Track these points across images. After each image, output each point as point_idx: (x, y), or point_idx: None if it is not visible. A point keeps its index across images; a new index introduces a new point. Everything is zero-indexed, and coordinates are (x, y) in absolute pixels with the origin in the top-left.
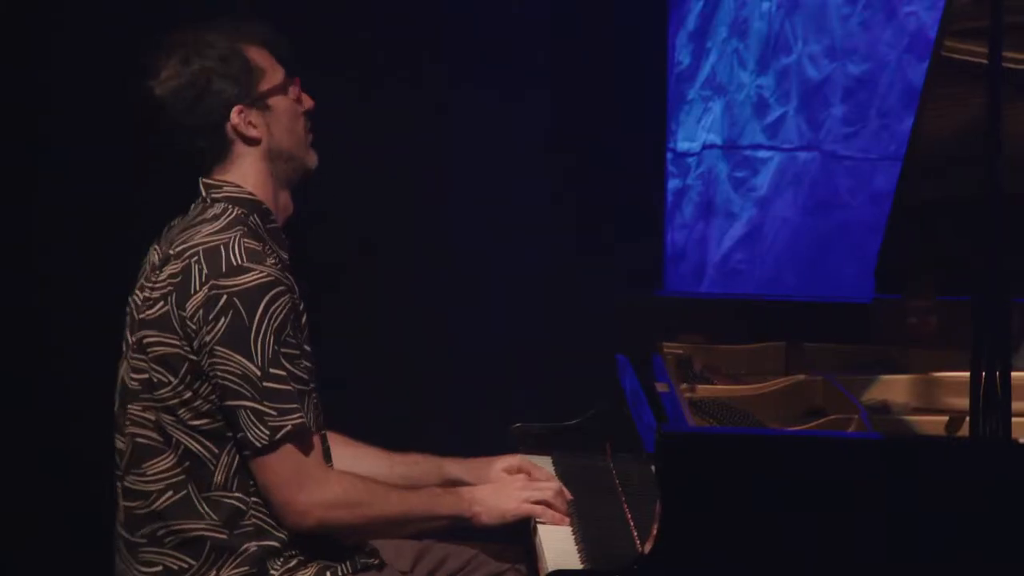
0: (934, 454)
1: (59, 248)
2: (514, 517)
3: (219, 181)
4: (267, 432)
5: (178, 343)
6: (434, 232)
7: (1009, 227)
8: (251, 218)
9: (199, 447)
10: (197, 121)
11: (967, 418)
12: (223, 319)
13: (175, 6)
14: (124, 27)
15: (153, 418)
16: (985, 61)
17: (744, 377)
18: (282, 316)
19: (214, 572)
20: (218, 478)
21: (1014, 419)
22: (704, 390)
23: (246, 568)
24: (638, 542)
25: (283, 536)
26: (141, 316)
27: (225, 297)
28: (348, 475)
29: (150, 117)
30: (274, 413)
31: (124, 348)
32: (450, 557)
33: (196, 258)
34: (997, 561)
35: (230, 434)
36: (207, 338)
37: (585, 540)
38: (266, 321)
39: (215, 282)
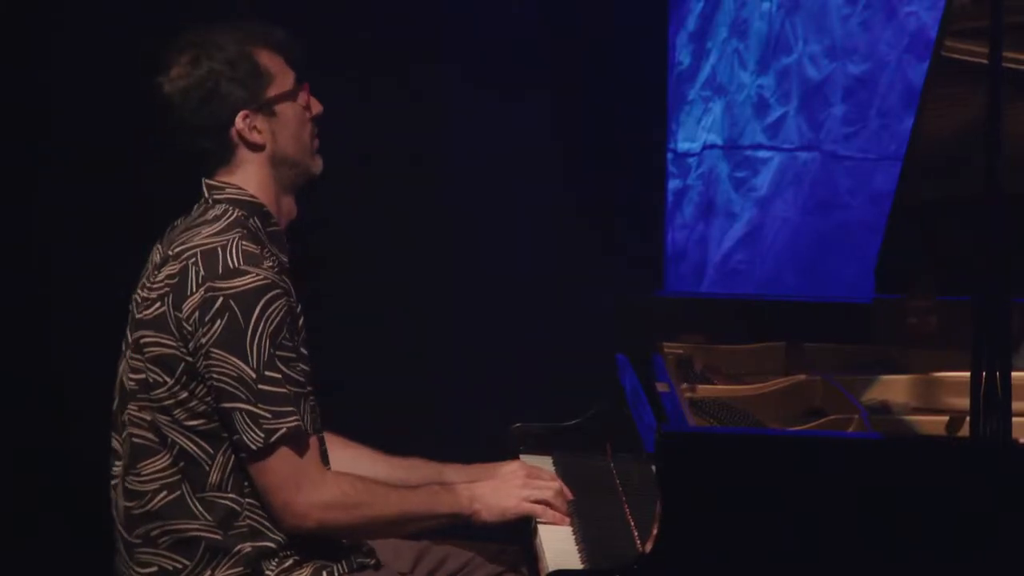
0: (934, 454)
1: (60, 247)
2: (514, 515)
3: (221, 183)
4: (262, 435)
5: (174, 344)
6: (434, 232)
7: (1009, 227)
8: (251, 220)
9: (194, 448)
10: (202, 123)
11: (967, 418)
12: (219, 321)
13: (175, 6)
14: (124, 27)
15: (149, 418)
16: (985, 61)
17: (744, 377)
18: (278, 319)
19: (208, 572)
20: (213, 479)
21: (1014, 419)
22: (704, 390)
23: (240, 568)
24: (638, 542)
25: (278, 538)
26: (139, 316)
27: (221, 299)
28: (346, 476)
29: (157, 113)
30: (269, 416)
31: (124, 347)
32: (450, 557)
33: (194, 259)
34: (997, 561)
35: (225, 435)
36: (203, 340)
37: (585, 540)
38: (262, 324)
39: (211, 284)
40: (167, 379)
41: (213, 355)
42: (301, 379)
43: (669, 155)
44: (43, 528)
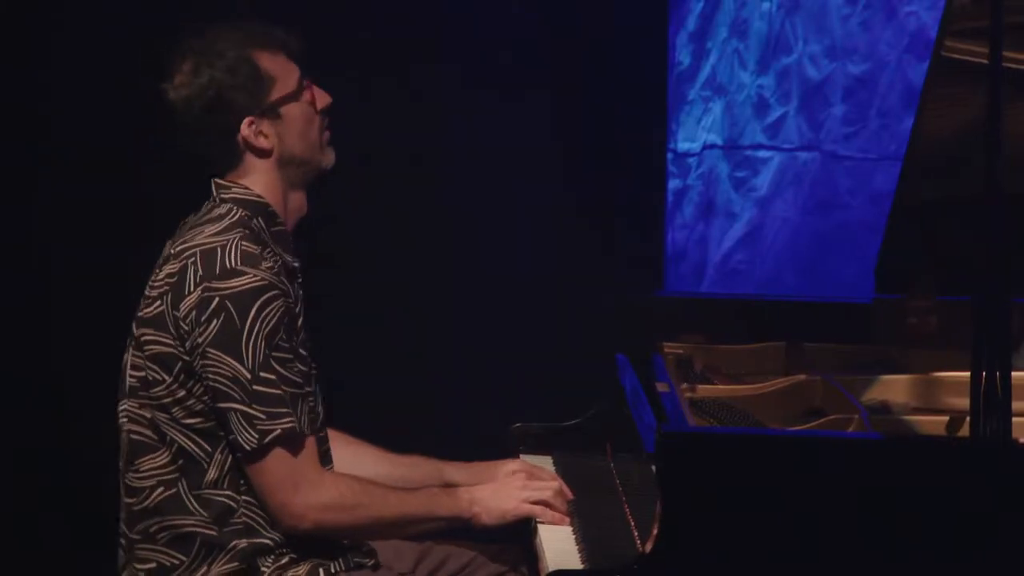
0: (934, 454)
1: (60, 247)
2: (514, 517)
3: (229, 182)
4: (256, 436)
5: (172, 342)
6: (434, 232)
7: (1009, 227)
8: (255, 221)
9: (192, 446)
10: (207, 130)
11: (967, 418)
12: (215, 321)
13: (175, 6)
14: (124, 27)
15: (149, 415)
16: (985, 61)
17: (744, 377)
18: (274, 320)
19: (204, 568)
20: (210, 476)
21: (1014, 419)
22: (704, 390)
23: (236, 564)
24: (638, 542)
25: (275, 536)
26: (141, 313)
27: (217, 299)
28: (345, 477)
29: (164, 118)
30: (263, 417)
31: (129, 342)
32: (451, 558)
33: (193, 259)
34: (997, 561)
35: (223, 433)
36: (199, 339)
37: (585, 540)
38: (258, 325)
39: (208, 284)
40: (165, 377)
41: (209, 355)
42: (298, 380)
43: (669, 155)
44: (43, 528)
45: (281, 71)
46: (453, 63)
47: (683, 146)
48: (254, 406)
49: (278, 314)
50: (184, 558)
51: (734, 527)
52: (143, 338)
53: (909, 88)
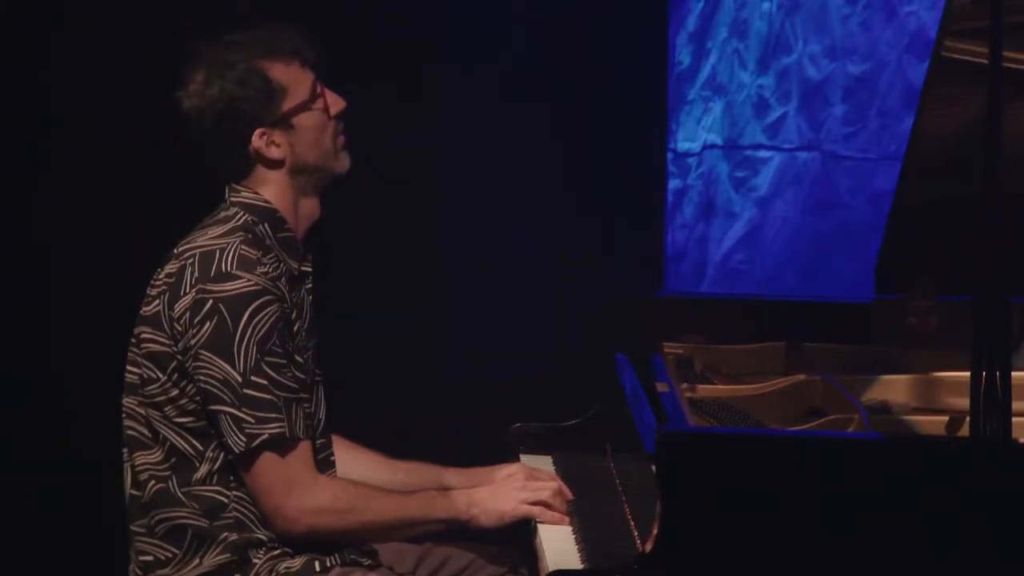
0: (934, 454)
1: (65, 247)
2: (512, 518)
3: (240, 186)
4: (243, 439)
5: (167, 342)
6: (433, 232)
7: (1009, 227)
8: (260, 226)
9: (185, 444)
10: (219, 141)
11: (967, 418)
12: (208, 324)
13: (175, 6)
14: (124, 27)
15: (144, 413)
16: (985, 61)
17: (744, 377)
18: (267, 326)
19: (197, 560)
20: (200, 474)
21: (1014, 419)
22: (704, 390)
23: (228, 556)
24: (638, 542)
25: (267, 532)
26: (141, 311)
27: (211, 302)
28: (339, 480)
29: (179, 125)
30: (252, 420)
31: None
32: (451, 559)
33: (191, 260)
34: (997, 561)
35: (214, 432)
36: (192, 341)
37: (585, 540)
38: (250, 329)
39: (202, 286)
40: (160, 376)
41: (201, 357)
42: (292, 385)
43: (669, 155)
44: (43, 527)
45: (293, 80)
46: (453, 63)
47: (683, 146)
48: (243, 409)
49: (271, 319)
50: (176, 551)
51: (734, 527)
52: (141, 336)
53: (909, 88)
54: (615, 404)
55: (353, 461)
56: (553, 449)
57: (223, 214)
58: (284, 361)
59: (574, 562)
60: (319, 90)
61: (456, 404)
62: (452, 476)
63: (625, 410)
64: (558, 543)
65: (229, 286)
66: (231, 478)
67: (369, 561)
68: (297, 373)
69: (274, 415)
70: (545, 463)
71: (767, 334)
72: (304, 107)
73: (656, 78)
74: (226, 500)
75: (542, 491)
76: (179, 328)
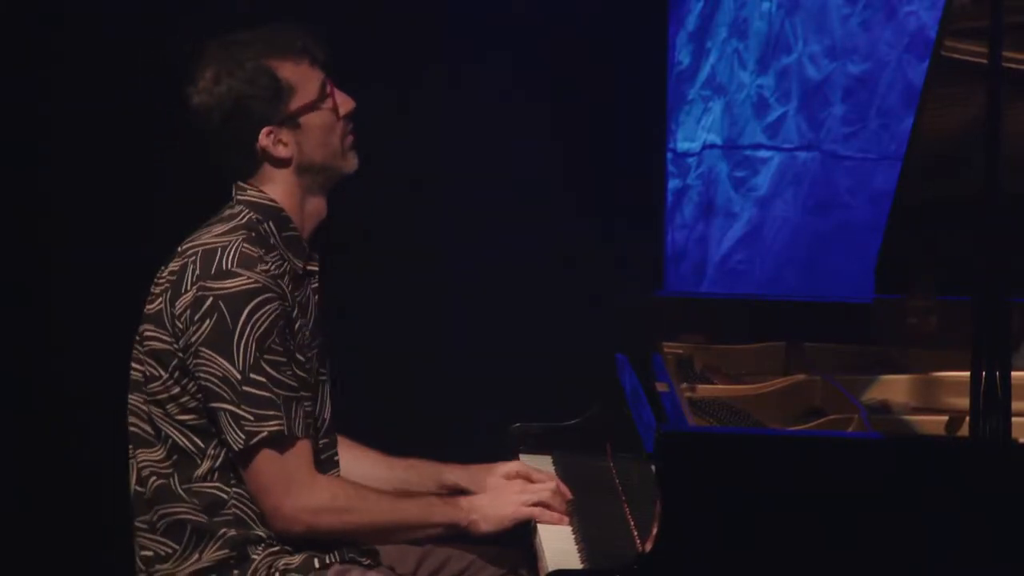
0: (934, 454)
1: (69, 245)
2: (512, 522)
3: (247, 185)
4: (242, 436)
5: (169, 339)
6: (433, 232)
7: (1009, 227)
8: (264, 224)
9: (186, 441)
10: (227, 139)
11: (967, 418)
12: (208, 321)
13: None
14: (123, 27)
15: (146, 410)
16: (985, 61)
17: (744, 377)
18: (267, 324)
19: (196, 555)
20: (200, 471)
21: (1014, 419)
22: (704, 390)
23: (226, 551)
24: (638, 541)
25: (266, 530)
26: (145, 309)
27: (211, 299)
28: (337, 480)
29: (188, 121)
30: (251, 418)
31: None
32: (451, 560)
33: (193, 258)
34: (997, 561)
35: (215, 430)
36: (193, 338)
37: (585, 540)
38: (249, 327)
39: (203, 284)
40: (161, 373)
41: (201, 354)
42: (292, 383)
43: (669, 155)
44: (44, 528)
45: (302, 79)
46: (453, 63)
47: (683, 146)
48: (243, 407)
49: (271, 317)
50: (176, 546)
51: (734, 527)
52: (145, 333)
53: (909, 88)
54: (615, 404)
55: (352, 459)
56: (553, 449)
57: (228, 212)
58: (284, 359)
59: (574, 562)
60: (328, 89)
61: (456, 404)
62: (451, 473)
63: (625, 410)
64: (558, 543)
65: (229, 283)
66: (231, 475)
67: (368, 561)
68: (298, 372)
69: (273, 413)
70: (545, 463)
71: (767, 334)
72: (312, 106)
73: (656, 78)
74: (225, 496)
75: (541, 492)
76: (180, 325)
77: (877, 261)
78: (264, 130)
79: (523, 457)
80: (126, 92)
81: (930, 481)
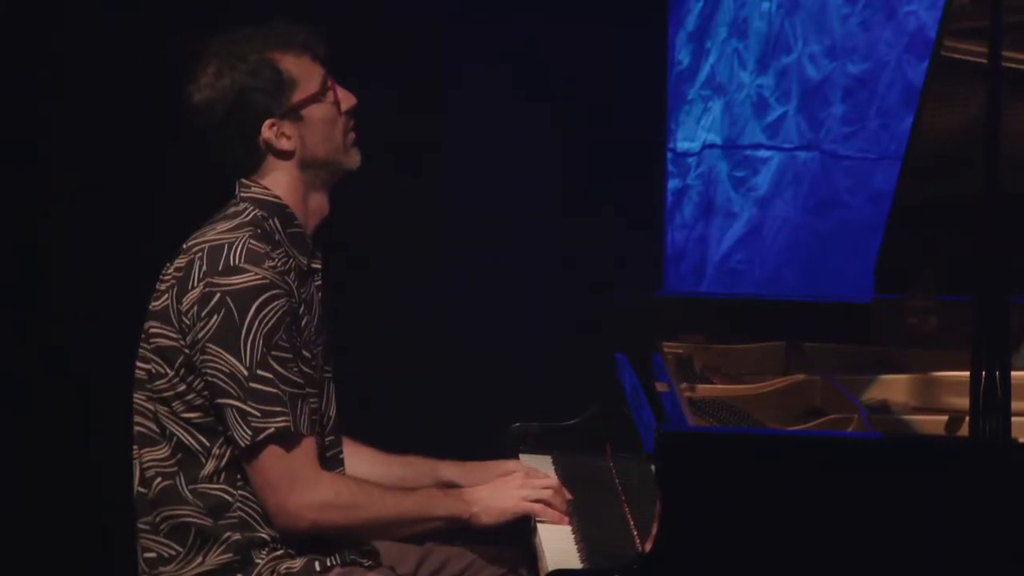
0: (934, 454)
1: (72, 243)
2: (513, 516)
3: (250, 182)
4: (249, 433)
5: (175, 336)
6: (433, 232)
7: (1009, 227)
8: (270, 221)
9: (191, 440)
10: (230, 132)
11: (967, 418)
12: (215, 317)
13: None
14: (124, 26)
15: (152, 408)
16: (985, 61)
17: (744, 377)
18: (274, 320)
19: (200, 559)
20: (206, 471)
21: (1013, 419)
22: (704, 390)
23: (230, 555)
24: (638, 541)
25: (270, 531)
26: (150, 306)
27: (218, 295)
28: (341, 477)
29: (189, 119)
30: (257, 414)
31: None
32: (451, 560)
33: (200, 254)
34: (997, 561)
35: (221, 428)
36: (199, 334)
37: (585, 539)
38: (257, 323)
39: (210, 280)
40: (167, 370)
41: (208, 350)
42: (299, 380)
43: (668, 155)
44: (45, 527)
45: (304, 73)
46: (452, 62)
47: (682, 146)
48: (249, 403)
49: (278, 314)
50: (180, 548)
51: (733, 527)
52: (150, 331)
53: (908, 88)
54: (615, 404)
55: (348, 457)
56: (553, 449)
57: (232, 209)
58: (291, 356)
59: (574, 562)
60: (329, 84)
61: (456, 404)
62: (448, 469)
63: (625, 410)
64: (558, 543)
65: (236, 279)
66: (238, 476)
67: (369, 562)
68: (304, 368)
69: (280, 409)
70: (545, 463)
71: (767, 334)
72: (314, 99)
73: (655, 78)
74: (231, 499)
75: (543, 490)
76: (187, 322)
77: (877, 261)
78: (267, 122)
79: (523, 457)
80: (126, 92)
81: (930, 481)
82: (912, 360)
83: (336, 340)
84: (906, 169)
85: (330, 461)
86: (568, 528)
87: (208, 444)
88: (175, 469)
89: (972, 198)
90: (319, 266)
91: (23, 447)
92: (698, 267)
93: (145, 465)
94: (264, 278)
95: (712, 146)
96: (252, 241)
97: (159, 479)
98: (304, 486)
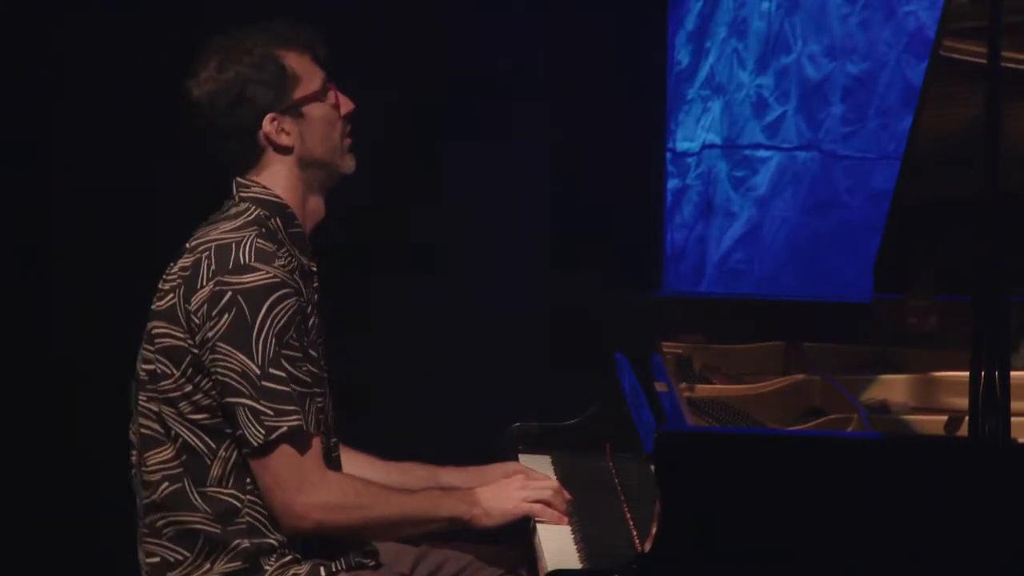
0: (933, 454)
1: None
2: (514, 516)
3: (250, 181)
4: (262, 432)
5: (182, 336)
6: (432, 231)
7: (1008, 227)
8: (272, 220)
9: (197, 441)
10: (230, 126)
11: (966, 418)
12: (226, 315)
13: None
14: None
15: (156, 409)
16: (984, 61)
17: (743, 377)
18: (286, 318)
19: (208, 565)
20: (214, 474)
21: (1013, 419)
22: (703, 390)
23: (239, 563)
24: (637, 541)
25: (278, 536)
26: (153, 307)
27: (230, 294)
28: (347, 477)
29: (187, 116)
30: (271, 413)
31: (143, 337)
32: (450, 560)
33: (207, 253)
34: (996, 561)
35: (229, 430)
36: (209, 333)
37: (584, 540)
38: (269, 321)
39: (221, 278)
40: (174, 371)
41: (219, 349)
42: (307, 380)
43: (668, 155)
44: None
45: (306, 71)
46: (453, 63)
47: (682, 146)
48: (262, 402)
49: (290, 312)
50: (188, 554)
51: (733, 527)
52: (154, 331)
53: (908, 87)
54: (614, 404)
55: (346, 463)
56: (552, 449)
57: (233, 209)
58: (300, 355)
59: (573, 562)
60: (330, 86)
61: (455, 403)
62: (447, 475)
63: (624, 410)
64: (557, 543)
65: (247, 278)
66: (247, 480)
67: (373, 562)
68: (311, 368)
69: (292, 408)
70: (544, 462)
71: (766, 334)
72: (315, 98)
73: (655, 78)
74: (240, 504)
75: (543, 490)
76: (196, 321)
77: (876, 260)
78: (268, 116)
79: (522, 457)
80: (126, 92)
81: (929, 481)
82: (912, 360)
83: (333, 342)
84: (905, 169)
85: (331, 464)
86: (567, 528)
87: (214, 446)
88: (180, 471)
89: (971, 198)
90: (315, 269)
91: (23, 447)
92: (697, 267)
93: (150, 468)
94: (275, 276)
95: (711, 146)
96: (259, 240)
97: (166, 483)
98: (311, 486)
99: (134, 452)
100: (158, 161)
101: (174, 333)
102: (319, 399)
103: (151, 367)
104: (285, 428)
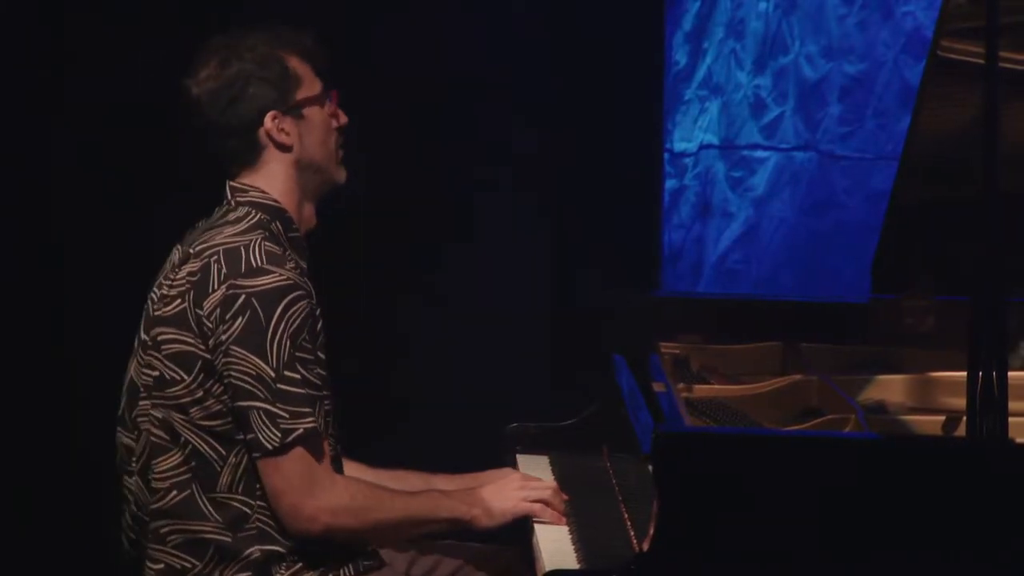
0: (931, 454)
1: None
2: (514, 516)
3: (245, 185)
4: (278, 434)
5: (193, 341)
6: (431, 232)
7: (1006, 227)
8: (273, 224)
9: (207, 448)
10: (231, 122)
11: (964, 418)
12: (240, 319)
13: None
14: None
15: (161, 416)
16: (982, 61)
17: (741, 377)
18: (299, 320)
19: (217, 574)
20: (224, 480)
21: (1011, 419)
22: (701, 390)
23: (249, 573)
24: (635, 542)
25: (287, 542)
26: (157, 313)
27: (243, 297)
28: (354, 480)
29: (185, 115)
30: (286, 416)
31: (136, 345)
32: (446, 559)
33: (216, 257)
34: (994, 561)
35: (239, 436)
36: (223, 337)
37: (582, 540)
38: (283, 324)
39: (233, 282)
40: (184, 376)
41: (232, 352)
42: (318, 382)
43: (665, 155)
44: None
45: (307, 75)
46: (451, 63)
47: (679, 146)
48: (278, 405)
49: (303, 315)
50: (197, 562)
51: (730, 527)
52: (160, 337)
53: (906, 88)
54: (612, 404)
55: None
56: (550, 449)
57: (233, 215)
58: (312, 358)
59: (571, 562)
60: (329, 95)
61: (453, 404)
62: (441, 482)
63: (622, 410)
64: (555, 543)
65: (260, 281)
66: (256, 487)
67: (374, 563)
68: (320, 371)
69: (307, 410)
70: (542, 463)
71: (764, 334)
72: (316, 101)
73: (652, 78)
74: (249, 511)
75: (542, 491)
76: (209, 325)
77: (874, 261)
78: (270, 114)
79: (520, 457)
80: (126, 92)
81: (927, 481)
82: (909, 360)
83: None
84: (903, 169)
85: (337, 465)
86: (565, 528)
87: (224, 452)
88: (188, 477)
89: (969, 198)
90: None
91: (23, 447)
92: (695, 267)
93: (157, 475)
94: (288, 279)
95: (709, 146)
96: (267, 243)
97: (174, 491)
98: (321, 489)
99: (133, 460)
100: (158, 161)
101: (184, 338)
102: (327, 403)
103: (156, 373)
104: (301, 430)
